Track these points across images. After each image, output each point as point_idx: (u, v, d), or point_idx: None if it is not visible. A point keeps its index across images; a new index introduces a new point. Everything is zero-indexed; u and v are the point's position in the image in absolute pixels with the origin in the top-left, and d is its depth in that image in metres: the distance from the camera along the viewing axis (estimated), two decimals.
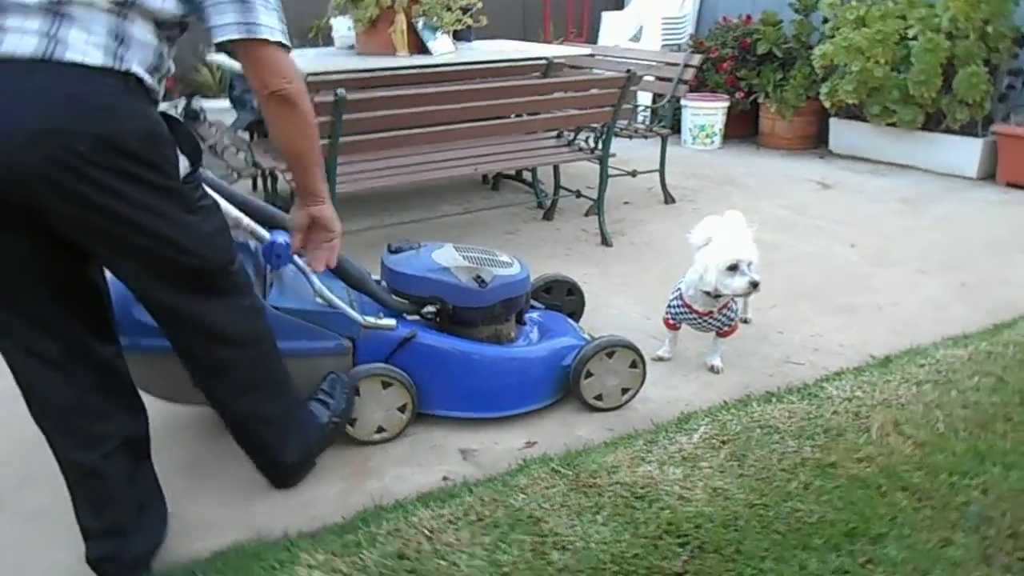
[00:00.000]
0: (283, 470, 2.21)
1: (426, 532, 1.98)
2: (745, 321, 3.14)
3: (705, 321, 2.79)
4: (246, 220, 2.26)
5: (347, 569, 1.86)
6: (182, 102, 6.15)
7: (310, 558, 1.90)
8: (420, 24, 4.35)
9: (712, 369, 2.84)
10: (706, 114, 6.31)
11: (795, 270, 3.80)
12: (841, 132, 6.08)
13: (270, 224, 2.32)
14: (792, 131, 6.28)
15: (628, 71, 3.79)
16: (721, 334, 2.83)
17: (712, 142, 6.40)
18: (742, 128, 6.60)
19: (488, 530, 1.98)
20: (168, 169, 1.68)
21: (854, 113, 5.87)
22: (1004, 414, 2.45)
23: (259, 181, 4.84)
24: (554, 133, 4.47)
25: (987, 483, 2.13)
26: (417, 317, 2.65)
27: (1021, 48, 5.26)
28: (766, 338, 3.10)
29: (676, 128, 6.57)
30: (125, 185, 1.59)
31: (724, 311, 2.78)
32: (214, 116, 5.44)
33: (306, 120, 1.82)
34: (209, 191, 2.16)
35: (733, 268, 2.62)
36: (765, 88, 6.23)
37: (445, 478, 2.26)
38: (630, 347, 2.58)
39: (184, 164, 1.76)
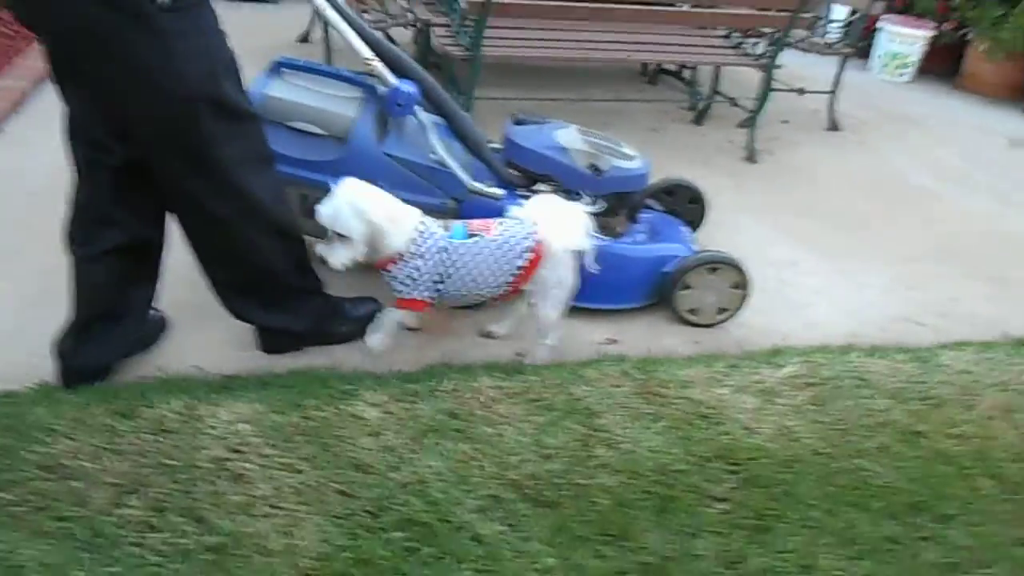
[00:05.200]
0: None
1: (482, 399, 2.02)
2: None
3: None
4: (377, 63, 2.27)
5: (400, 414, 1.93)
6: None
7: (371, 396, 1.99)
8: None
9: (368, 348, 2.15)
10: (903, 41, 5.68)
11: (950, 227, 3.46)
12: None
13: (399, 71, 2.33)
14: (999, 76, 5.57)
15: None
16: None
17: (903, 74, 5.79)
18: (942, 64, 5.91)
19: (542, 411, 2.00)
20: None
21: None
22: None
23: (417, 34, 4.84)
24: (723, 32, 4.17)
25: None
26: (528, 193, 2.62)
27: None
28: (891, 291, 2.87)
29: (866, 53, 5.99)
30: None
31: (392, 271, 2.05)
32: None
33: None
34: (340, 26, 2.19)
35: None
36: (980, 22, 5.52)
37: (518, 354, 2.29)
38: (736, 266, 2.46)
39: None
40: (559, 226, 2.10)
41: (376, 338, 2.13)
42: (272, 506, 1.65)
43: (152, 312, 2.16)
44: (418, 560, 1.57)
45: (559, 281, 2.13)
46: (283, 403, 1.94)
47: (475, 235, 2.07)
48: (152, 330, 2.19)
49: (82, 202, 1.91)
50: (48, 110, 3.53)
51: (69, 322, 1.98)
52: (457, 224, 2.11)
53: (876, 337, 2.56)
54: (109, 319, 1.98)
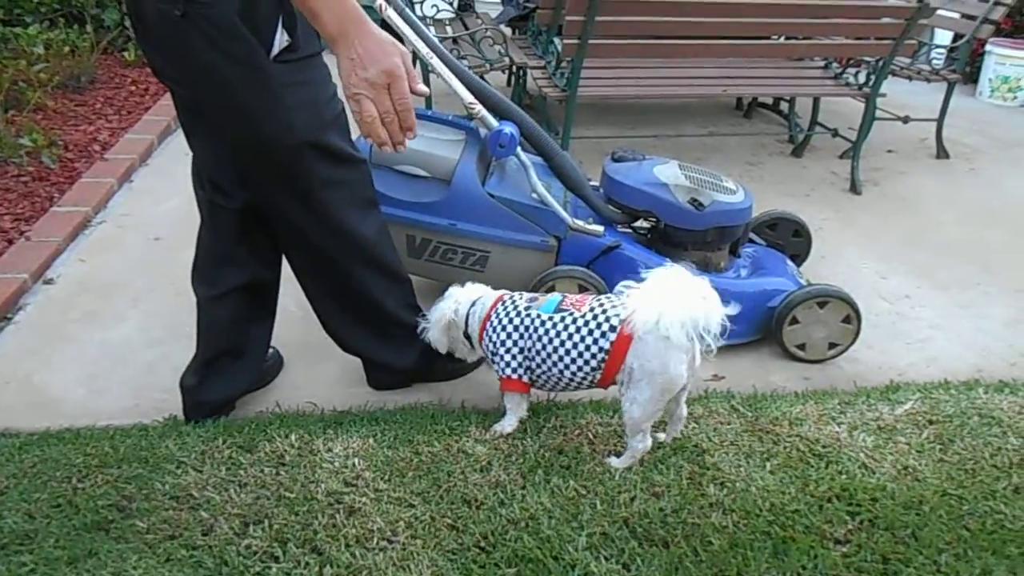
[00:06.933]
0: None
1: (589, 436, 2.01)
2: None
3: None
4: (479, 107, 2.34)
5: (507, 449, 1.94)
6: None
7: (478, 432, 2.01)
8: None
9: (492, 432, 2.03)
10: (1015, 64, 5.44)
11: None
12: None
13: (500, 114, 2.39)
14: None
15: (921, 0, 3.35)
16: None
17: (1015, 98, 5.54)
18: None
19: (651, 449, 1.97)
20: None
21: None
22: None
23: (512, 77, 4.96)
24: (821, 63, 4.10)
25: None
26: (628, 230, 2.62)
27: None
28: (1017, 324, 2.72)
29: (973, 77, 5.77)
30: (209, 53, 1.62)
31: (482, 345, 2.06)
32: (483, 9, 5.61)
33: None
34: (444, 73, 2.25)
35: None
36: None
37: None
38: (846, 300, 2.38)
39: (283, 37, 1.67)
40: (658, 305, 1.72)
41: (502, 424, 2.02)
42: (387, 539, 1.68)
43: (269, 350, 2.26)
44: None
45: (647, 373, 1.78)
46: (394, 438, 1.98)
47: (564, 310, 1.91)
48: (270, 367, 2.29)
49: (206, 244, 2.03)
50: (171, 161, 3.81)
51: (194, 359, 2.09)
52: (552, 297, 1.97)
53: (1003, 372, 2.42)
54: (231, 356, 2.08)
